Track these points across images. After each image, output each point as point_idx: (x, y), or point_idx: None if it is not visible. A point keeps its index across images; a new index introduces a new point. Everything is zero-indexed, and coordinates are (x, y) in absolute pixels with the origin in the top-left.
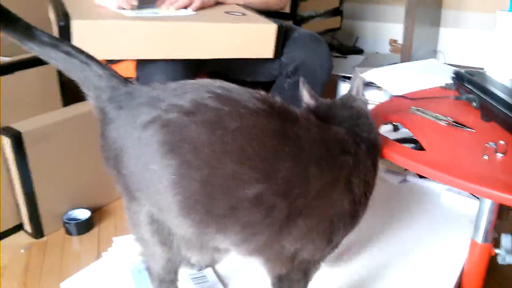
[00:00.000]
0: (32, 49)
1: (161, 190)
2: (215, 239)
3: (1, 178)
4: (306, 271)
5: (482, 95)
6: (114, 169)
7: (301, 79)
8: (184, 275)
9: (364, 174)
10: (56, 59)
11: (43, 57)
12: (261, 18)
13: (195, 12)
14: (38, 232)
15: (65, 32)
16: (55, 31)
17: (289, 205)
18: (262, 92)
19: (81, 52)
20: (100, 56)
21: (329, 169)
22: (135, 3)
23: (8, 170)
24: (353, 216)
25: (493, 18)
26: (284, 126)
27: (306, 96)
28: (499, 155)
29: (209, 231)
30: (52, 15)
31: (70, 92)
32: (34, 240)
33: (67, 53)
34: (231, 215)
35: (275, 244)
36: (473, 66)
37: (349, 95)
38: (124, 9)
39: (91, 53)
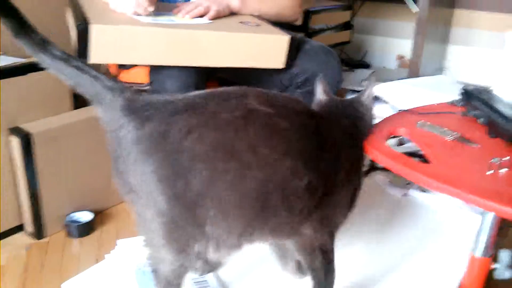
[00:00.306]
0: (44, 62)
1: (213, 193)
2: (256, 230)
3: (5, 178)
4: (332, 239)
5: (489, 112)
6: (133, 178)
7: (319, 76)
8: (187, 279)
9: (363, 163)
10: (66, 73)
11: (54, 71)
12: (275, 29)
13: (210, 21)
14: (39, 233)
15: (83, 36)
16: (73, 35)
17: (326, 185)
18: (291, 95)
19: (91, 67)
20: (116, 60)
21: (351, 157)
22: (151, 9)
23: (12, 170)
24: (359, 191)
25: (502, 37)
26: (319, 122)
27: (320, 92)
28: (503, 170)
29: (256, 223)
30: (70, 20)
31: (81, 96)
32: (35, 240)
33: (78, 68)
34: (283, 204)
35: (310, 218)
36: (480, 84)
37: (358, 99)
38: (140, 15)
39: (108, 57)
